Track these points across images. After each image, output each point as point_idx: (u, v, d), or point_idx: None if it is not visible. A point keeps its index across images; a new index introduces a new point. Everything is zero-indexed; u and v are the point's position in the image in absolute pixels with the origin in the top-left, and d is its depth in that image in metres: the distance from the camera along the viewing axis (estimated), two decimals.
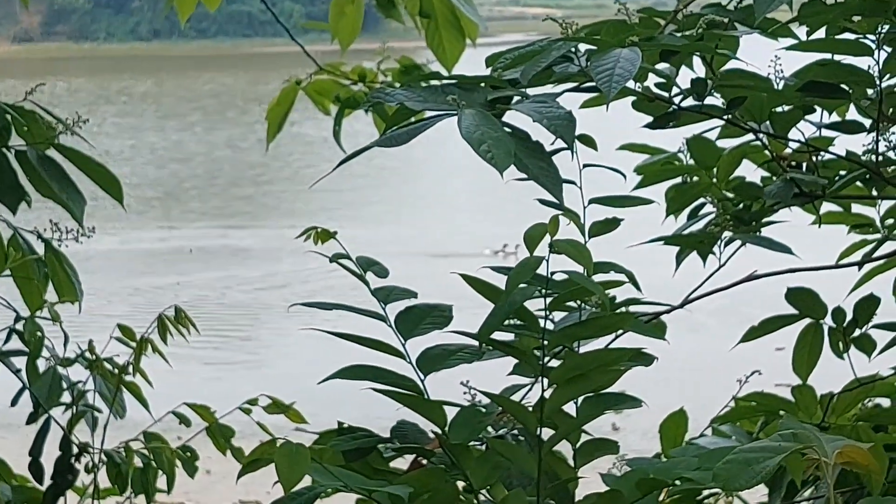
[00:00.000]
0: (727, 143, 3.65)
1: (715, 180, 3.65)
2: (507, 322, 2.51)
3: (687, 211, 3.72)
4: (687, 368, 14.61)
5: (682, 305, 3.35)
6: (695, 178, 3.70)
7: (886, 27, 3.05)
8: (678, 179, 3.73)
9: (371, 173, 33.75)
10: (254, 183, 34.62)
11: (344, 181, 32.06)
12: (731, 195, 3.64)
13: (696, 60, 3.11)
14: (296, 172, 34.58)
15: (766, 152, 3.55)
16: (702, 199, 3.69)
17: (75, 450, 3.92)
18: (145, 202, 32.13)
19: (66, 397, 3.94)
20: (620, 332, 2.83)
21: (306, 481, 2.33)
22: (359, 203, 30.37)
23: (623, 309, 2.92)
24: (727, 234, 3.50)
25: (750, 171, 3.70)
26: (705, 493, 3.44)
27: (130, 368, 3.87)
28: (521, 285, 2.37)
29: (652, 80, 3.03)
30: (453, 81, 2.60)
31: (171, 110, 52.53)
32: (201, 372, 16.39)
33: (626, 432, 13.14)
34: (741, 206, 3.60)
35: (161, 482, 4.03)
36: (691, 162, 3.68)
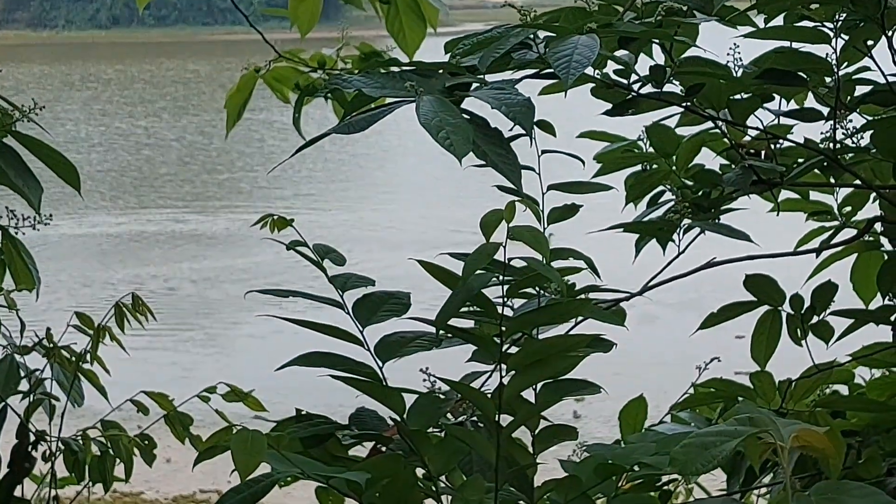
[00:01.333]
0: (687, 131, 3.66)
1: (674, 168, 3.65)
2: (467, 309, 2.51)
3: (647, 199, 3.72)
4: (649, 358, 14.67)
5: (641, 292, 3.36)
6: (654, 166, 3.70)
7: (844, 15, 3.06)
8: (638, 167, 3.73)
9: (347, 160, 33.77)
10: (229, 169, 34.54)
11: (320, 166, 32.06)
12: (690, 183, 3.64)
13: (656, 48, 3.12)
14: (267, 158, 34.54)
15: (725, 140, 3.55)
16: (661, 187, 3.69)
17: (32, 438, 3.90)
18: (117, 188, 32.05)
19: (24, 385, 3.92)
20: (580, 318, 2.83)
21: (266, 468, 2.32)
22: (346, 186, 30.38)
23: (582, 296, 2.92)
24: (686, 222, 3.50)
25: (709, 159, 3.70)
26: (665, 479, 3.46)
27: (88, 356, 3.85)
28: (478, 272, 2.36)
29: (611, 68, 3.03)
30: (412, 68, 2.59)
31: (138, 97, 52.36)
32: (162, 361, 16.33)
33: (588, 420, 13.18)
34: (700, 193, 3.61)
35: (120, 471, 4.01)
36: (651, 149, 3.68)
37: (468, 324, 2.60)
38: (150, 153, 37.61)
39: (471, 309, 2.51)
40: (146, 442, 3.92)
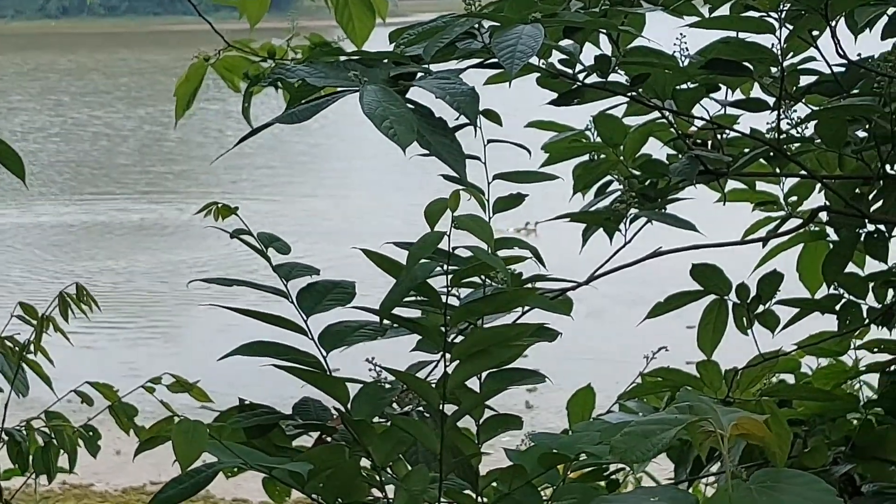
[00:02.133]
0: (635, 121, 3.66)
1: (622, 158, 3.66)
2: (413, 298, 2.50)
3: (594, 188, 3.73)
4: (601, 349, 14.72)
5: (588, 281, 3.36)
6: (602, 156, 3.70)
7: (788, 5, 3.07)
8: (586, 157, 3.74)
9: (307, 150, 33.69)
10: (186, 159, 34.41)
11: (278, 156, 31.92)
12: (637, 172, 3.65)
13: (603, 37, 3.12)
14: (225, 148, 34.36)
15: (672, 130, 3.56)
16: (609, 177, 3.70)
17: None
18: (75, 178, 31.88)
19: None
20: (527, 308, 2.83)
21: (211, 458, 2.31)
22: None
23: (529, 285, 2.92)
24: (633, 212, 3.51)
25: (656, 149, 3.71)
26: (613, 468, 3.47)
27: (32, 347, 3.82)
28: (423, 261, 2.36)
29: (557, 57, 3.03)
30: (356, 57, 2.58)
31: (93, 87, 52.14)
32: (114, 355, 16.23)
33: (540, 410, 13.21)
34: (647, 183, 3.61)
35: (66, 462, 3.98)
36: (598, 139, 3.68)
37: (417, 314, 2.59)
38: (108, 143, 37.42)
39: (417, 298, 2.51)
40: (91, 433, 3.89)
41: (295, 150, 33.73)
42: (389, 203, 26.09)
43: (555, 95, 3.18)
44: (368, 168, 31.60)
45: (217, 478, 2.43)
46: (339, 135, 34.15)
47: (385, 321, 2.48)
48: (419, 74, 2.56)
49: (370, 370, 2.54)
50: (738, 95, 3.53)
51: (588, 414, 3.45)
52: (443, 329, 2.45)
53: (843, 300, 3.76)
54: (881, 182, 3.53)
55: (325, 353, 2.47)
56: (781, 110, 3.31)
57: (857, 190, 3.61)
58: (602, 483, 3.62)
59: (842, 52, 3.24)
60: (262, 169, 31.29)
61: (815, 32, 3.26)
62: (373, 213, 25.59)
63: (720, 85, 3.43)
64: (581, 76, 3.05)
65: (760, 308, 3.68)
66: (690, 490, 4.13)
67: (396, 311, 2.45)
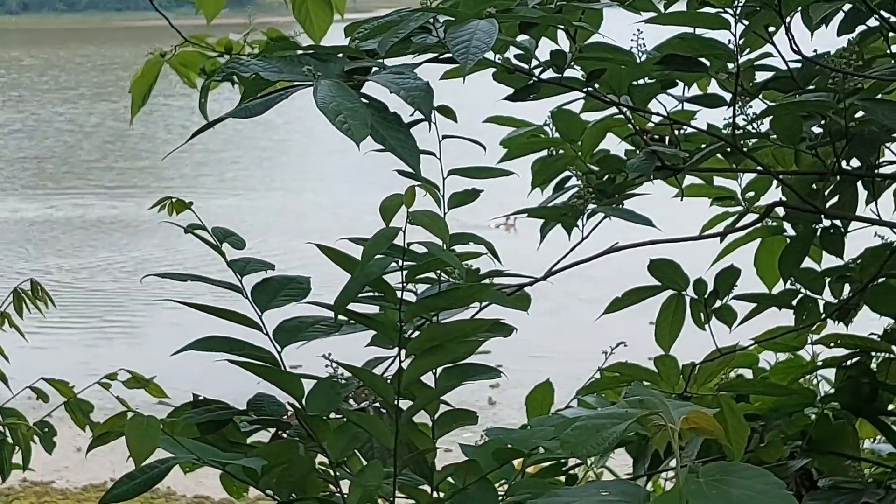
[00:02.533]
0: (593, 117, 3.67)
1: (580, 153, 3.66)
2: (370, 294, 2.49)
3: (553, 183, 3.73)
4: (565, 346, 14.75)
5: (545, 277, 3.36)
6: (560, 151, 3.71)
7: (743, 1, 3.08)
8: (544, 152, 3.74)
9: (272, 146, 33.60)
10: (151, 156, 34.28)
11: (241, 153, 31.80)
12: (595, 168, 3.65)
13: (561, 33, 3.12)
14: (190, 144, 34.22)
15: (630, 126, 3.57)
16: (567, 172, 3.70)
17: None
18: (39, 174, 31.74)
19: None
20: (486, 304, 2.83)
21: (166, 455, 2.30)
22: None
23: (486, 281, 2.91)
24: (591, 207, 3.51)
25: (615, 144, 3.72)
26: (571, 462, 3.47)
27: None
28: (378, 256, 2.35)
29: (513, 52, 3.03)
30: (311, 52, 2.58)
31: (55, 83, 51.94)
32: (75, 355, 16.15)
33: (502, 406, 13.22)
34: (605, 178, 3.62)
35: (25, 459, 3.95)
36: (557, 135, 3.69)
37: (374, 309, 2.58)
38: (71, 139, 37.28)
39: (373, 294, 2.50)
40: (45, 430, 3.87)
41: (260, 146, 33.65)
42: (351, 199, 26.07)
43: (511, 91, 3.18)
44: (331, 163, 31.55)
45: (178, 475, 2.42)
46: (304, 130, 34.10)
47: (341, 317, 2.47)
48: (374, 69, 2.55)
49: (326, 366, 2.53)
50: (694, 91, 3.54)
51: (547, 409, 3.45)
52: (398, 325, 2.44)
53: (800, 295, 3.78)
54: (837, 178, 3.55)
55: (279, 349, 2.46)
56: (737, 106, 3.32)
57: (812, 185, 3.63)
58: (562, 478, 3.62)
59: (796, 49, 3.25)
60: (227, 164, 31.21)
61: (770, 29, 3.27)
62: (334, 209, 25.55)
63: (677, 81, 3.44)
64: (537, 72, 3.05)
65: (718, 303, 3.69)
66: (650, 485, 4.14)
67: (353, 306, 2.44)
